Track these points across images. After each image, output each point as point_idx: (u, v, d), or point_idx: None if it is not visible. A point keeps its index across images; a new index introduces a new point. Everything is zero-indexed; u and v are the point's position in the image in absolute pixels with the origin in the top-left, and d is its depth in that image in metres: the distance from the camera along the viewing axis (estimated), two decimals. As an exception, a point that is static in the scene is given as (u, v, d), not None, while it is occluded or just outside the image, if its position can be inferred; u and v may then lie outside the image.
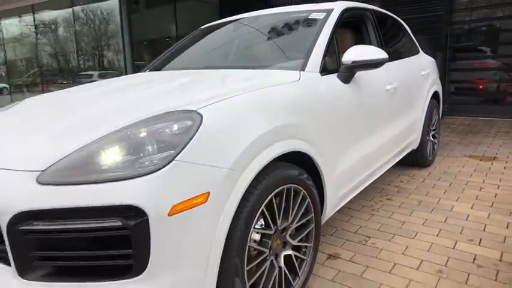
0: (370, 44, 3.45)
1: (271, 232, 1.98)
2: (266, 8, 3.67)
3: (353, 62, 2.59)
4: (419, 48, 4.83)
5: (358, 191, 2.96)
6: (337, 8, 3.06)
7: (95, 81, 10.98)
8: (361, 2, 3.72)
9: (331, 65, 2.71)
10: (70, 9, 11.04)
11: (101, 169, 1.52)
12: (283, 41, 3.09)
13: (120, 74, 10.50)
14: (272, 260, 2.02)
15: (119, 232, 1.44)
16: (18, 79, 13.94)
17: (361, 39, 3.58)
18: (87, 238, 1.50)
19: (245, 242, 1.77)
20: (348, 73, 2.69)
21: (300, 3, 7.56)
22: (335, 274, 2.50)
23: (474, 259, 2.58)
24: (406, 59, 4.16)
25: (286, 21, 3.17)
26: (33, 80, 13.42)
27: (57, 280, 1.53)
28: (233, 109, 1.84)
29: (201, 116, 1.68)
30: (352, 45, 2.69)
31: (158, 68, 3.49)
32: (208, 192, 1.58)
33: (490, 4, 7.86)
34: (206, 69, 2.90)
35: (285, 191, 2.03)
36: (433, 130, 4.83)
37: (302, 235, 2.22)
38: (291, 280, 2.16)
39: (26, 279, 1.53)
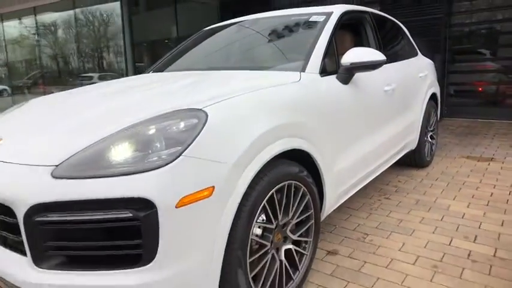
0: (369, 46, 3.54)
1: (273, 226, 2.07)
2: (266, 11, 3.76)
3: (352, 63, 2.68)
4: (418, 50, 4.92)
5: (356, 189, 3.04)
6: (337, 11, 3.15)
7: (95, 83, 11.12)
8: (362, 4, 3.80)
9: (331, 66, 2.79)
10: (72, 11, 11.13)
11: (112, 164, 1.61)
12: (284, 43, 3.18)
13: (120, 76, 10.59)
14: (273, 253, 2.11)
15: (130, 223, 1.53)
16: (19, 81, 14.03)
17: (360, 42, 3.66)
18: (98, 229, 1.58)
19: (247, 235, 1.85)
20: (346, 74, 2.77)
21: (300, 6, 7.67)
22: (334, 269, 2.58)
23: (469, 255, 2.67)
24: (404, 61, 4.24)
25: (287, 24, 3.26)
26: (34, 82, 13.51)
27: (70, 269, 1.62)
28: (237, 108, 1.93)
29: (207, 115, 1.76)
30: (351, 48, 2.77)
31: (162, 69, 3.57)
32: (213, 186, 1.66)
33: (489, 7, 7.95)
34: (209, 71, 2.98)
35: (285, 187, 2.11)
36: (431, 131, 4.91)
37: (302, 230, 2.30)
38: (291, 273, 2.24)
39: (40, 267, 1.62)
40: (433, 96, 4.87)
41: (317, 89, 2.52)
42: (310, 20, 3.11)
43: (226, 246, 1.76)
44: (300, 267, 2.30)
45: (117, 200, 1.53)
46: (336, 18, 3.05)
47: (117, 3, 9.80)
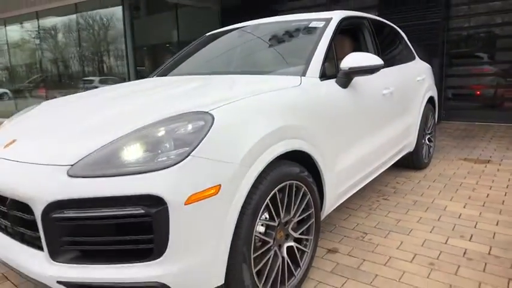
0: (367, 51, 3.64)
1: (275, 224, 2.16)
2: (266, 16, 3.86)
3: (350, 68, 2.78)
4: (415, 54, 5.03)
5: (356, 190, 3.13)
6: (336, 17, 3.25)
7: (96, 86, 11.21)
8: (360, 9, 3.90)
9: (330, 70, 2.90)
10: (74, 16, 11.24)
11: (124, 163, 1.71)
12: (285, 48, 3.28)
13: (122, 80, 10.69)
14: (276, 250, 2.20)
15: (141, 219, 1.62)
16: (21, 84, 14.11)
17: (358, 46, 3.77)
18: (112, 224, 1.68)
19: (251, 231, 1.94)
20: (345, 78, 2.87)
21: (299, 12, 7.78)
22: (334, 266, 2.67)
23: (464, 253, 2.76)
24: (402, 65, 4.35)
25: (288, 29, 3.37)
26: (36, 86, 13.60)
27: (84, 262, 1.72)
28: (241, 111, 2.03)
29: (213, 117, 1.86)
30: (350, 52, 2.87)
31: (165, 74, 3.67)
32: (220, 185, 1.76)
33: (486, 11, 8.05)
34: (212, 75, 3.08)
35: (287, 187, 2.21)
36: (429, 134, 5.01)
37: (303, 228, 2.40)
38: (293, 270, 2.34)
39: (57, 261, 1.72)
40: (431, 100, 4.97)
41: (317, 93, 2.62)
42: (310, 25, 3.21)
43: (232, 242, 1.85)
44: (301, 264, 2.39)
45: (130, 198, 1.63)
46: (335, 24, 3.15)
47: (119, 8, 9.90)
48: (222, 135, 1.84)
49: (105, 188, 1.65)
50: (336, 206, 2.88)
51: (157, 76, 3.71)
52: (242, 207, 1.87)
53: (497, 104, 8.26)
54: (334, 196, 2.74)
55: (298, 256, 2.37)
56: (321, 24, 3.16)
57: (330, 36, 3.01)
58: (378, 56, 3.46)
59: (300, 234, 2.38)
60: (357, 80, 3.00)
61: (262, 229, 2.13)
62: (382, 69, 2.93)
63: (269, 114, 2.15)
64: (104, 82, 11.65)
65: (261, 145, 1.98)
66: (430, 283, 2.41)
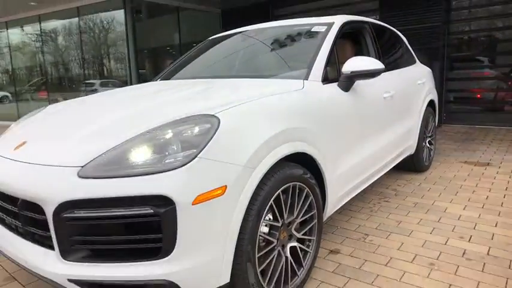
0: (368, 55, 3.71)
1: (279, 224, 2.21)
2: (266, 19, 3.91)
3: (352, 72, 2.84)
4: (416, 58, 5.08)
5: (357, 191, 3.19)
6: (338, 22, 3.31)
7: (97, 89, 11.26)
8: (361, 12, 3.95)
9: (332, 74, 2.95)
10: (76, 19, 11.29)
11: (133, 165, 1.76)
12: (287, 52, 3.34)
13: (124, 83, 10.75)
14: (279, 250, 2.25)
15: (150, 219, 1.68)
16: (22, 87, 14.15)
17: (360, 50, 3.82)
18: (121, 224, 1.73)
19: (256, 231, 2.00)
20: (347, 82, 2.93)
21: (299, 16, 7.84)
22: (336, 267, 2.72)
23: (464, 253, 2.81)
24: (402, 68, 4.41)
25: (291, 34, 3.42)
26: (38, 89, 13.64)
27: (94, 261, 1.77)
28: (246, 114, 2.08)
29: (219, 120, 1.91)
30: (352, 56, 2.93)
31: (168, 77, 3.72)
32: (226, 186, 1.81)
33: (487, 15, 8.13)
34: (217, 79, 3.13)
35: (290, 188, 2.26)
36: (429, 137, 5.06)
37: (306, 229, 2.45)
38: (296, 270, 2.39)
39: (68, 260, 1.77)
40: (431, 103, 5.02)
41: (319, 96, 2.68)
42: (312, 30, 3.27)
43: (237, 241, 1.91)
44: (304, 264, 2.44)
45: (139, 198, 1.68)
46: (337, 29, 3.21)
47: (121, 11, 9.97)
48: (227, 138, 1.89)
49: (115, 188, 1.70)
50: (338, 207, 2.93)
51: (160, 79, 3.77)
52: (247, 207, 1.93)
53: (497, 107, 8.32)
54: (336, 198, 2.79)
55: (301, 256, 2.41)
56: (323, 28, 3.22)
57: (332, 41, 3.06)
58: (379, 59, 3.52)
59: (302, 234, 2.43)
60: (358, 83, 3.06)
61: (266, 229, 2.18)
62: (383, 73, 2.99)
63: (273, 117, 2.20)
64: (104, 85, 11.69)
65: (265, 147, 2.03)
66: (430, 283, 2.46)
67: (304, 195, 2.39)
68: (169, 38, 11.60)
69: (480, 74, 8.48)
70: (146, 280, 1.72)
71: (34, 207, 1.83)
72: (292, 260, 2.34)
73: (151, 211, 1.66)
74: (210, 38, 4.24)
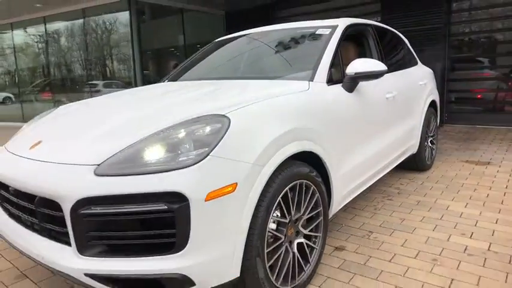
0: (371, 57, 3.78)
1: (286, 221, 2.28)
2: (269, 22, 3.98)
3: (356, 73, 2.91)
4: (418, 59, 5.15)
5: (361, 189, 3.26)
6: (341, 24, 3.38)
7: (100, 90, 11.32)
8: (363, 14, 4.01)
9: (337, 75, 3.03)
10: (81, 20, 11.36)
11: (148, 163, 1.83)
12: (293, 54, 3.41)
13: (128, 84, 10.82)
14: (287, 246, 2.32)
15: (164, 215, 1.75)
16: (26, 88, 14.21)
17: (363, 52, 3.90)
18: (136, 220, 1.80)
19: (265, 227, 2.07)
20: (351, 83, 3.00)
21: (302, 18, 7.90)
22: (341, 263, 2.79)
23: (465, 249, 2.88)
24: (405, 70, 4.48)
25: (296, 36, 3.50)
26: (42, 89, 13.70)
27: (110, 256, 1.84)
28: (255, 114, 2.16)
29: (229, 120, 1.99)
30: (355, 58, 3.00)
31: (176, 79, 3.80)
32: (236, 183, 1.89)
33: (487, 17, 8.19)
34: (225, 80, 3.20)
35: (297, 186, 2.33)
36: (431, 136, 5.13)
37: (312, 226, 2.52)
38: (303, 265, 2.46)
39: (84, 255, 1.84)
40: (433, 103, 5.10)
41: (325, 97, 2.75)
42: (317, 32, 3.34)
43: (247, 237, 1.98)
44: (310, 260, 2.51)
45: (153, 194, 1.75)
46: (341, 31, 3.28)
47: (126, 13, 10.05)
48: (237, 137, 1.96)
49: (130, 185, 1.77)
50: (343, 205, 3.00)
51: (168, 81, 3.84)
52: (257, 204, 2.00)
53: (497, 107, 8.39)
54: (341, 195, 2.87)
55: (307, 252, 2.49)
56: (327, 31, 3.29)
57: (336, 43, 3.14)
58: (382, 61, 3.59)
59: (309, 231, 2.50)
60: (362, 84, 3.12)
61: (274, 226, 2.24)
62: (385, 74, 3.06)
63: (280, 117, 2.28)
64: (107, 86, 11.76)
65: (273, 146, 2.11)
66: (433, 277, 2.53)
67: (310, 193, 2.46)
68: (173, 40, 11.68)
69: (480, 75, 8.55)
70: (160, 274, 1.79)
71: (51, 204, 1.90)
72: (299, 256, 2.41)
73: (166, 207, 1.73)
74: (216, 40, 4.32)
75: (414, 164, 4.83)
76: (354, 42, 3.92)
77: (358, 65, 2.92)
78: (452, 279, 2.50)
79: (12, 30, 13.38)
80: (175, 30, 11.30)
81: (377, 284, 2.50)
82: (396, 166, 4.15)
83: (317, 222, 2.56)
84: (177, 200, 1.74)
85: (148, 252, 1.81)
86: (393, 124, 3.80)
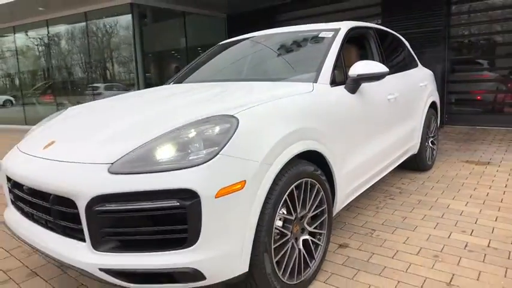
0: (373, 59, 3.86)
1: (292, 218, 2.35)
2: (270, 25, 4.05)
3: (358, 75, 2.98)
4: (418, 61, 5.23)
5: (364, 189, 3.33)
6: (344, 27, 3.46)
7: (102, 93, 11.39)
8: (364, 17, 4.08)
9: (339, 77, 3.10)
10: (83, 23, 11.43)
11: (160, 161, 1.90)
12: (297, 56, 3.49)
13: (129, 86, 10.90)
14: (293, 242, 2.39)
15: (176, 211, 1.82)
16: (28, 91, 14.27)
17: (365, 55, 3.98)
18: (149, 216, 1.87)
19: (272, 224, 2.14)
20: (354, 85, 3.08)
21: (303, 21, 7.97)
22: (345, 260, 2.86)
23: (466, 246, 2.96)
24: (405, 71, 4.56)
25: (299, 39, 3.57)
26: (44, 92, 13.76)
27: (123, 251, 1.91)
28: (262, 114, 2.23)
29: (238, 120, 2.06)
30: (357, 60, 3.08)
31: (181, 81, 3.87)
32: (245, 181, 1.96)
33: (486, 19, 8.27)
34: (230, 82, 3.28)
35: (303, 184, 2.40)
36: (432, 137, 5.20)
37: (317, 223, 2.59)
38: (308, 262, 2.53)
39: (98, 251, 1.91)
40: (433, 105, 5.17)
41: (328, 98, 2.82)
42: (320, 35, 3.41)
43: (255, 233, 2.05)
44: (315, 256, 2.58)
45: (166, 191, 1.82)
46: (344, 34, 3.36)
47: (128, 16, 10.12)
48: (246, 137, 2.04)
49: (143, 183, 1.84)
50: (346, 203, 3.07)
51: (173, 83, 3.91)
52: (264, 201, 2.07)
53: (497, 108, 8.47)
54: (344, 194, 2.94)
55: (312, 249, 2.55)
56: (330, 34, 3.36)
57: (339, 45, 3.21)
58: (383, 63, 3.67)
59: (314, 228, 2.57)
60: (364, 86, 3.20)
61: (280, 223, 2.32)
62: (387, 76, 3.13)
63: (286, 117, 2.35)
64: (108, 89, 11.82)
65: (280, 145, 2.18)
66: (435, 273, 2.60)
67: (315, 191, 2.53)
68: (175, 42, 11.75)
69: (480, 77, 8.63)
70: (173, 268, 1.86)
71: (66, 202, 1.97)
72: (304, 252, 2.48)
73: (178, 204, 1.80)
74: (221, 43, 4.39)
75: (415, 164, 4.90)
76: (356, 45, 4.00)
77: (360, 67, 2.99)
78: (453, 275, 2.57)
79: (15, 34, 13.44)
80: (177, 33, 11.38)
81: (380, 280, 2.57)
82: (398, 166, 4.23)
83: (322, 219, 2.63)
84: (189, 196, 1.81)
85: (160, 247, 1.88)
86: (394, 125, 3.87)
